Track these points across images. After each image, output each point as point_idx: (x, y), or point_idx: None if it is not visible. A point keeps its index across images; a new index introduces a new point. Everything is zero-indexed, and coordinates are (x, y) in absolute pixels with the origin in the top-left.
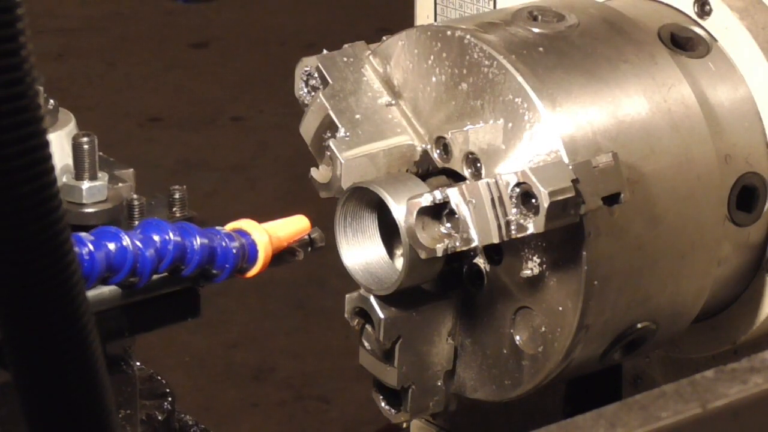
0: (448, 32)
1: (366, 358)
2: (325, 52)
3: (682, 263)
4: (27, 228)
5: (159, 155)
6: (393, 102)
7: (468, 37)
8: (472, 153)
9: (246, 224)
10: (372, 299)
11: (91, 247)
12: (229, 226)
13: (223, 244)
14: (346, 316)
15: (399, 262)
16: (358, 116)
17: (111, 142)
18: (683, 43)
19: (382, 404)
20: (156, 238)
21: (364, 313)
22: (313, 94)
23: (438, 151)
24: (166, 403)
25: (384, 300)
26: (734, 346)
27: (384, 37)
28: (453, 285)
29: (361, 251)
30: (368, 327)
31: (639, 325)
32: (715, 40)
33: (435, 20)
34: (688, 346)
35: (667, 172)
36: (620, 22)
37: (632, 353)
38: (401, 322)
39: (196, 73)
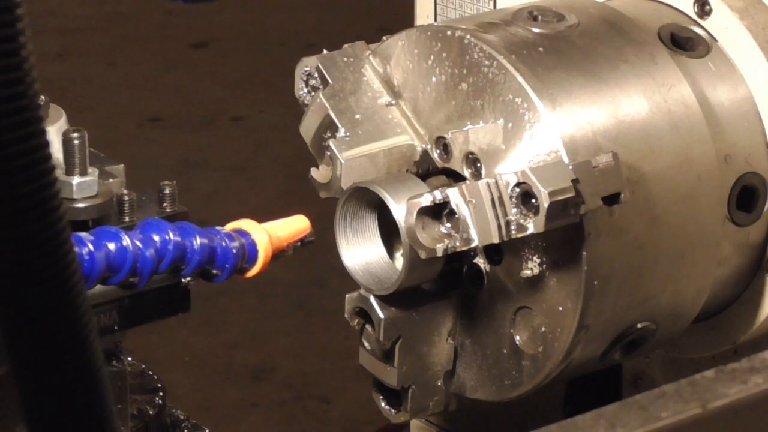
0: (448, 32)
1: (366, 358)
2: (325, 52)
3: (682, 263)
4: (27, 228)
5: (159, 155)
6: (393, 102)
7: (468, 37)
8: (472, 153)
9: (246, 224)
10: (372, 299)
11: (91, 247)
12: (229, 226)
13: (223, 244)
14: (346, 316)
15: (399, 262)
16: (358, 116)
17: (111, 142)
18: (683, 43)
19: (382, 404)
20: (156, 238)
21: (364, 313)
22: (313, 94)
23: (438, 151)
24: (157, 398)
25: (384, 300)
26: (734, 346)
27: (384, 37)
28: (453, 285)
29: (361, 251)
30: (368, 327)
31: (639, 325)
32: (715, 40)
33: (435, 20)
34: (688, 346)
35: (667, 172)
36: (620, 22)
37: (632, 353)
38: (401, 322)
39: (196, 73)
